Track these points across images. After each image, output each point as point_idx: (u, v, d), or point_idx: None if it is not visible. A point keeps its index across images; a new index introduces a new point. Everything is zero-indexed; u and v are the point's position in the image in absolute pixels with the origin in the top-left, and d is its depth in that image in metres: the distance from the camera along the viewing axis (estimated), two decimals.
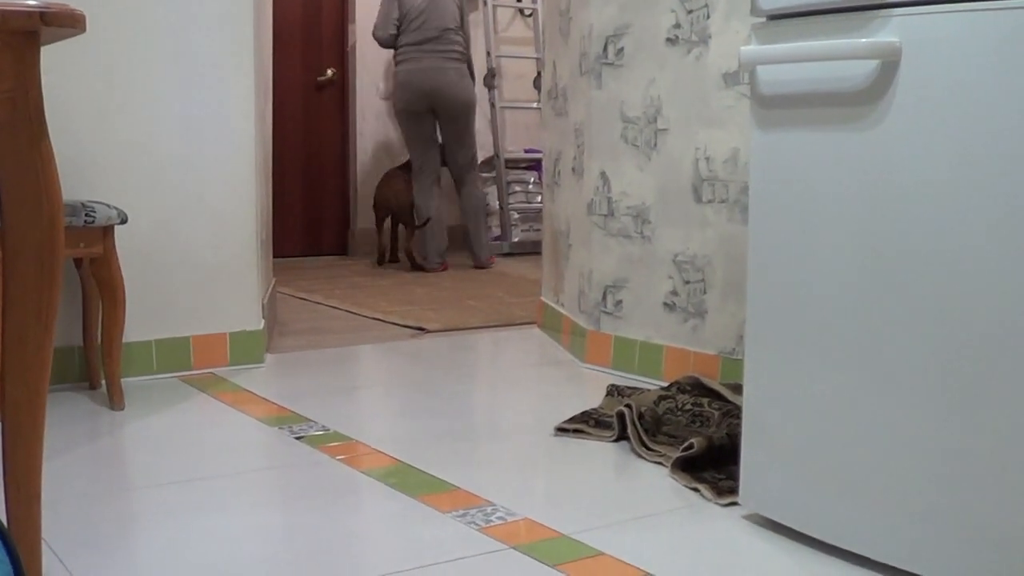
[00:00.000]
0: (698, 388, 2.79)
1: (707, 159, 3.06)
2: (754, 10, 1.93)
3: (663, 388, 2.84)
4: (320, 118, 6.90)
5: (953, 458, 1.65)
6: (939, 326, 1.66)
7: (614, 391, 2.95)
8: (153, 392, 3.08)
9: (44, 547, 1.82)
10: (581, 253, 3.59)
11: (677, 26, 3.13)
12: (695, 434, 2.44)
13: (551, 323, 3.99)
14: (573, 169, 3.69)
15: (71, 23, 1.48)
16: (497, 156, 6.97)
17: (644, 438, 2.48)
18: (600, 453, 2.51)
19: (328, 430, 2.69)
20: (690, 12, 3.08)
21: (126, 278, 2.99)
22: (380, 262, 6.35)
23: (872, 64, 1.72)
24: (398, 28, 5.74)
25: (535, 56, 7.26)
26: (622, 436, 2.58)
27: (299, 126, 6.81)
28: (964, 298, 1.62)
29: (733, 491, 2.13)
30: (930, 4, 1.64)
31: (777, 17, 1.89)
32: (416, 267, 6.08)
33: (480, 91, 7.24)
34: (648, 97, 3.24)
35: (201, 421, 2.79)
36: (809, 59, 1.80)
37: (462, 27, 5.80)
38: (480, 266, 6.17)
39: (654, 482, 2.30)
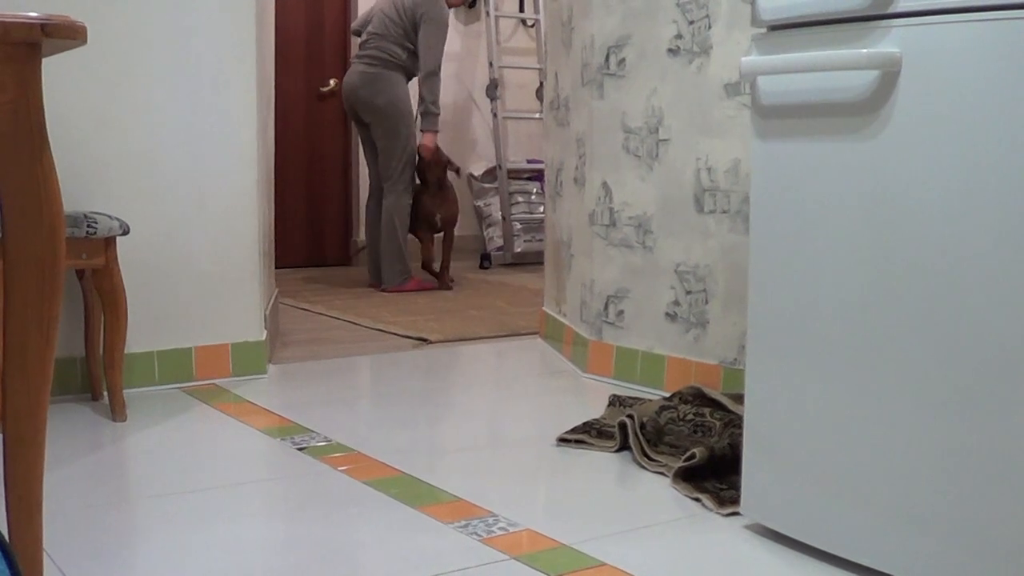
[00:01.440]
0: (700, 398, 2.79)
1: (708, 169, 3.06)
2: (755, 21, 1.94)
3: (665, 398, 2.83)
4: (322, 129, 6.91)
5: (956, 467, 1.65)
6: (940, 336, 1.65)
7: (616, 401, 2.95)
8: (155, 403, 3.08)
9: (45, 558, 1.82)
10: (583, 263, 3.59)
11: (679, 36, 3.13)
12: (697, 444, 2.44)
13: (553, 333, 3.99)
14: (575, 179, 3.69)
15: (72, 35, 1.49)
16: (500, 166, 6.98)
17: (646, 448, 2.48)
18: (602, 463, 2.51)
19: (330, 441, 2.69)
20: (691, 23, 3.08)
21: (128, 289, 2.99)
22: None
23: (873, 75, 1.72)
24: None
25: (537, 67, 7.27)
26: (624, 446, 2.58)
27: (301, 137, 6.82)
28: (965, 308, 1.62)
29: (734, 501, 2.12)
30: (930, 15, 1.64)
31: (778, 28, 1.90)
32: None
33: (483, 101, 7.28)
34: (649, 107, 3.24)
35: (203, 432, 2.78)
36: (810, 69, 1.81)
37: (414, 37, 5.67)
38: (382, 290, 5.61)
39: (656, 492, 2.29)
